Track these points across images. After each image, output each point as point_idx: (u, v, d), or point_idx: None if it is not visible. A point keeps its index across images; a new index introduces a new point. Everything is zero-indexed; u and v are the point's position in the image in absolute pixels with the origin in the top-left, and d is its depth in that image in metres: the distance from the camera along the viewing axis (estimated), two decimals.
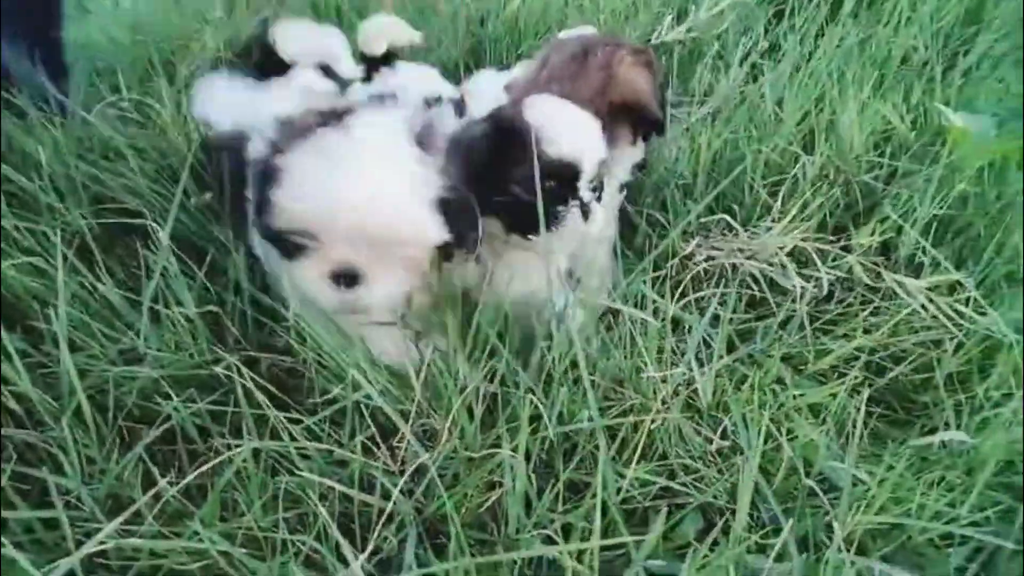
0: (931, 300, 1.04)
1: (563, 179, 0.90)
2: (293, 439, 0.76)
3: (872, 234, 1.15)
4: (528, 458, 0.76)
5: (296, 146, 0.78)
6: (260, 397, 0.75)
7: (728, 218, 1.14)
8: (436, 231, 0.80)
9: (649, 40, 1.68)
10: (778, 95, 1.45)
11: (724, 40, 1.64)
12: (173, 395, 0.80)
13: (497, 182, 0.89)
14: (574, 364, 0.89)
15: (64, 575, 0.57)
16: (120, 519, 0.57)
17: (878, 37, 1.67)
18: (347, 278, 0.78)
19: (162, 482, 0.62)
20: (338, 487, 0.66)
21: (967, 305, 1.04)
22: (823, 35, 1.62)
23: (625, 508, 0.80)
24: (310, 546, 0.66)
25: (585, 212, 0.92)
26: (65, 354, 0.74)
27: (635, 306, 0.95)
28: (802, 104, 1.40)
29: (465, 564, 0.63)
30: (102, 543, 0.59)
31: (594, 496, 0.73)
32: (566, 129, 0.92)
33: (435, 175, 0.82)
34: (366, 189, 0.76)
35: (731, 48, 1.59)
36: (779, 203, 1.23)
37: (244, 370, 0.73)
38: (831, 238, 1.18)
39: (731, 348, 0.99)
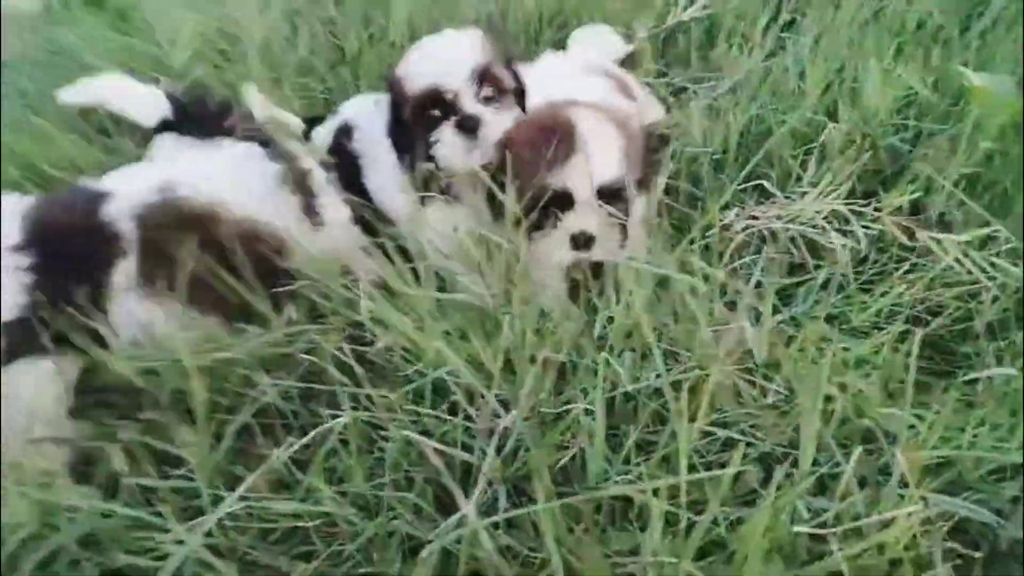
0: (966, 254, 1.08)
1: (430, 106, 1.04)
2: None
3: (903, 195, 1.19)
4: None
5: None
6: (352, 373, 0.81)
7: (766, 184, 1.18)
8: None
9: (665, 21, 1.73)
10: (799, 68, 1.50)
11: (742, 15, 1.68)
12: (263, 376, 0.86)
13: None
14: (629, 334, 0.95)
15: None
16: (251, 479, 0.63)
17: (893, 6, 1.70)
18: None
19: (281, 450, 0.68)
20: (436, 446, 0.72)
21: (1000, 257, 1.08)
22: (839, 7, 1.66)
23: (690, 463, 0.86)
24: (412, 502, 0.72)
25: (465, 126, 1.03)
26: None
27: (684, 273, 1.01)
28: (824, 75, 1.44)
29: (553, 506, 0.69)
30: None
31: (667, 446, 0.78)
32: (425, 60, 1.05)
33: None
34: None
35: (750, 24, 1.63)
36: (809, 171, 1.28)
37: (345, 347, 0.79)
38: (862, 202, 1.23)
39: (775, 312, 1.04)
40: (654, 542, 0.69)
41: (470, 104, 1.04)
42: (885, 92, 1.38)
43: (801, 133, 1.37)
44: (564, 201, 1.02)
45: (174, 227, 0.96)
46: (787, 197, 1.24)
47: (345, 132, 1.28)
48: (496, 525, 0.71)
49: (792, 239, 1.15)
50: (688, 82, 1.59)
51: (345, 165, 1.24)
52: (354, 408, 0.79)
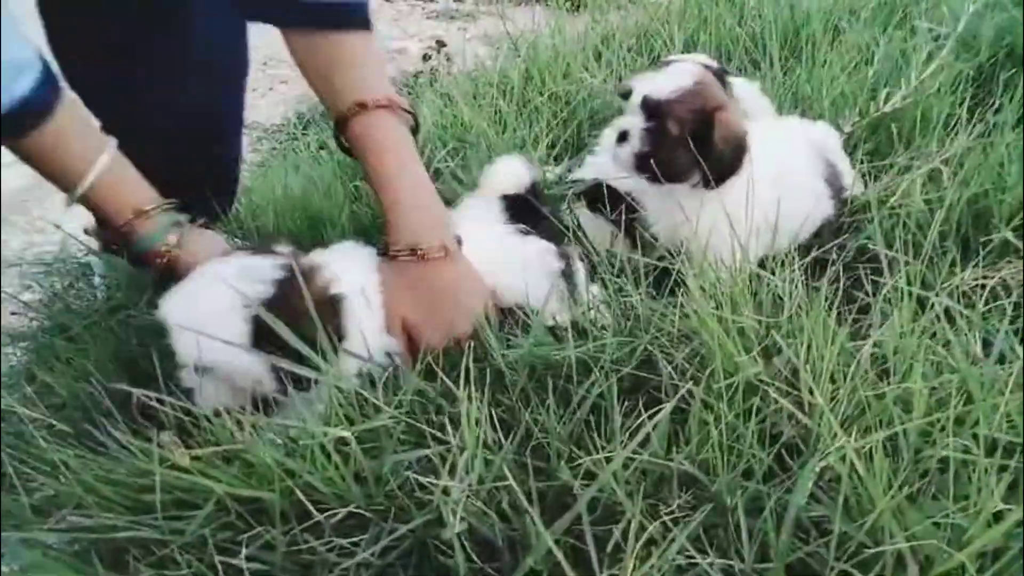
0: None
1: None
2: None
3: None
4: None
5: None
6: None
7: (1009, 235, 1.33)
8: None
9: (869, 112, 1.93)
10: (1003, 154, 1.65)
11: (946, 102, 1.86)
12: None
13: None
14: None
15: None
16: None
17: None
18: None
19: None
20: None
21: None
22: None
23: None
24: None
25: None
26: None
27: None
28: None
29: None
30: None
31: None
32: None
33: None
34: None
35: (961, 109, 1.80)
36: None
37: None
38: None
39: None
40: None
41: None
42: None
43: (1016, 209, 1.52)
44: None
45: None
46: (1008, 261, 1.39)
47: None
48: None
49: None
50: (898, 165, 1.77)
51: None
52: None
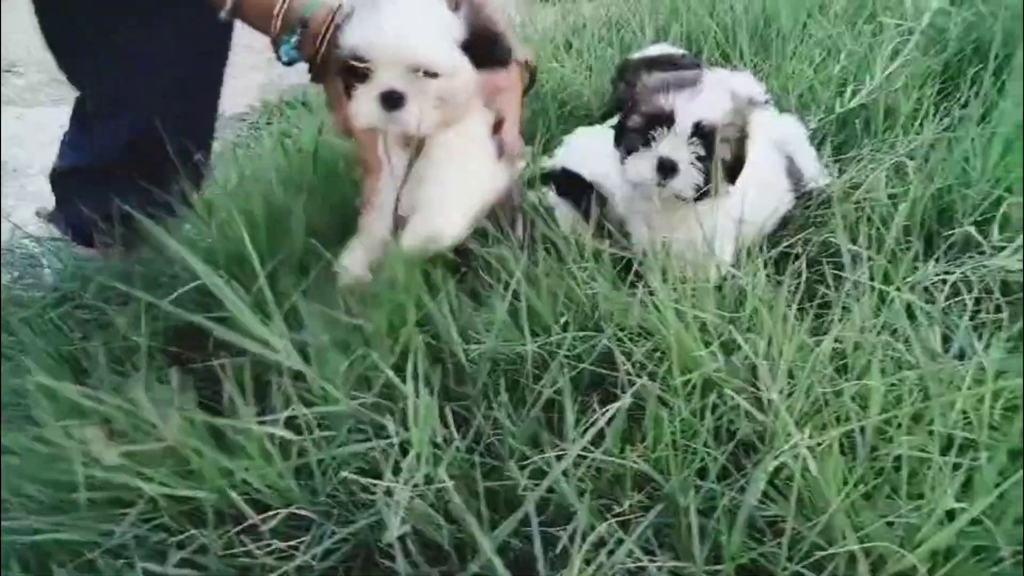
0: None
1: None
2: None
3: None
4: None
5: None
6: None
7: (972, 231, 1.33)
8: (459, 63, 1.09)
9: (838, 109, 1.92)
10: (967, 148, 1.65)
11: (912, 97, 1.85)
12: None
13: None
14: None
15: None
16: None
17: None
18: (391, 100, 1.06)
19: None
20: None
21: None
22: (1003, 96, 1.82)
23: None
24: None
25: None
26: None
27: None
28: (997, 157, 1.59)
29: None
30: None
31: None
32: None
33: (459, 24, 1.10)
34: (403, 27, 1.06)
35: (926, 107, 1.80)
36: (989, 238, 1.42)
37: None
38: None
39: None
40: None
41: None
42: None
43: (978, 203, 1.52)
44: None
45: None
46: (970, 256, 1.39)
47: None
48: None
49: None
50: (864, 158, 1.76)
51: None
52: None
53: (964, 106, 1.86)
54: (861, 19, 2.17)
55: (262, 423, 0.88)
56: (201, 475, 0.86)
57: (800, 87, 1.93)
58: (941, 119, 1.83)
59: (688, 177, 1.23)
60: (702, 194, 1.26)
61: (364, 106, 1.09)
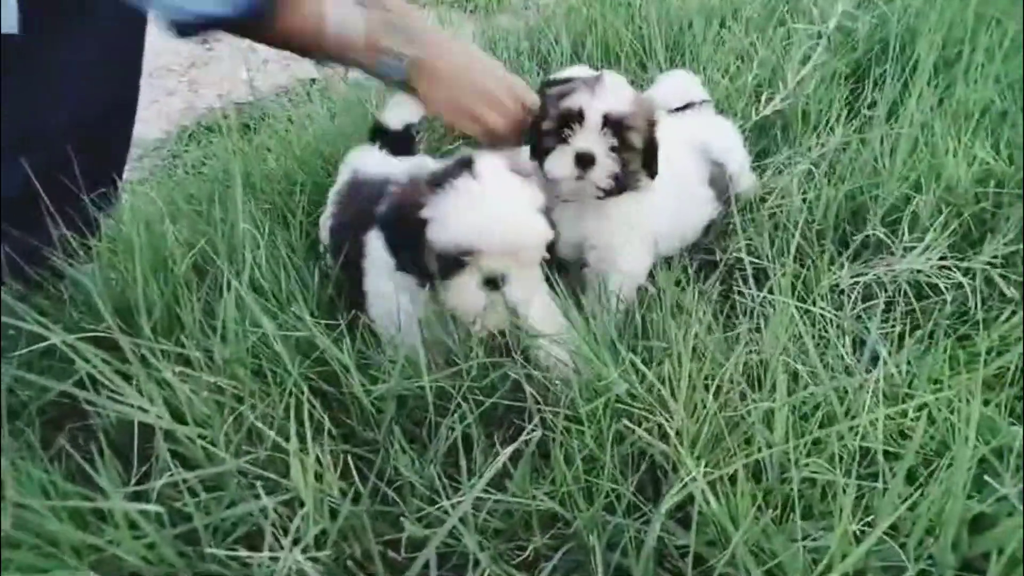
0: None
1: None
2: None
3: (996, 250, 1.34)
4: None
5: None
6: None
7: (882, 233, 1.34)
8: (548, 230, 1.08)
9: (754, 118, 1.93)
10: (876, 149, 1.67)
11: (824, 101, 1.87)
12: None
13: None
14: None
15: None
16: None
17: (956, 95, 1.89)
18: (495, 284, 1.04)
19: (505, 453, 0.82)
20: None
21: None
22: (909, 95, 1.85)
23: None
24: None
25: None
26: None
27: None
28: (905, 155, 1.61)
29: None
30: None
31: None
32: None
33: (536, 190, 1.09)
34: (509, 216, 1.04)
35: (837, 110, 1.82)
36: (904, 237, 1.43)
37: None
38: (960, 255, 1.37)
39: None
40: None
41: None
42: (964, 166, 1.54)
43: (891, 205, 1.53)
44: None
45: None
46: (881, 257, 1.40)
47: None
48: None
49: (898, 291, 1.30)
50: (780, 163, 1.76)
51: None
52: None
53: (872, 105, 1.89)
54: (771, 25, 2.19)
55: (138, 493, 0.81)
56: (64, 556, 0.78)
57: (716, 95, 1.93)
58: (851, 120, 1.86)
59: (605, 167, 1.26)
60: (621, 188, 1.29)
61: (469, 295, 1.06)
